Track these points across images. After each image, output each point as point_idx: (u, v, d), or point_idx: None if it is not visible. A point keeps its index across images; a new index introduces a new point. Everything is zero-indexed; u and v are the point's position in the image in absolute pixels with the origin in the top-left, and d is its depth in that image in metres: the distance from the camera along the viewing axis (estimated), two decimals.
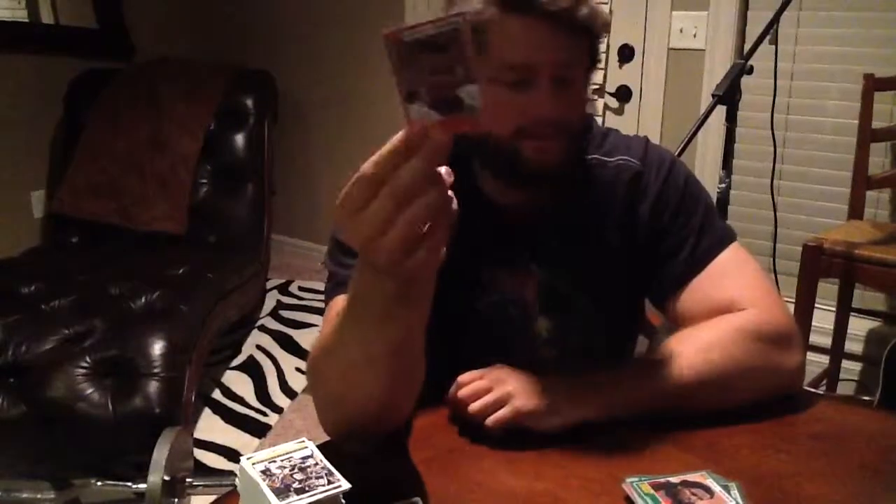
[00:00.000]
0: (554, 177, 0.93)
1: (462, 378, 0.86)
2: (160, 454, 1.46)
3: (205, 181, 2.88)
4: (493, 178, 0.97)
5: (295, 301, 3.15)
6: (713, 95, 1.55)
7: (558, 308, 1.01)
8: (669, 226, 1.00)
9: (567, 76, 0.89)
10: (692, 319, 0.96)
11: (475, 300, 0.99)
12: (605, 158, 1.02)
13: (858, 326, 2.33)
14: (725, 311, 0.94)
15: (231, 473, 1.90)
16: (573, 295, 1.01)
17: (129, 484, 1.67)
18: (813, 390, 1.57)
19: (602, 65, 2.62)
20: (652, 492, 0.72)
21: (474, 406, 0.83)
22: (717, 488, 0.72)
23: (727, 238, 1.00)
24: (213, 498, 0.79)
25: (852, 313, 2.21)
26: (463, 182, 0.96)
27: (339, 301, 0.89)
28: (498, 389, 0.83)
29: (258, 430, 2.22)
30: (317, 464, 0.68)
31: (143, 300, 2.20)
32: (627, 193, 1.00)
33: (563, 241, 1.00)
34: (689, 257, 0.98)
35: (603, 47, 0.94)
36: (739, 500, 0.71)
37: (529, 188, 0.95)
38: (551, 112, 0.88)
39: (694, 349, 0.90)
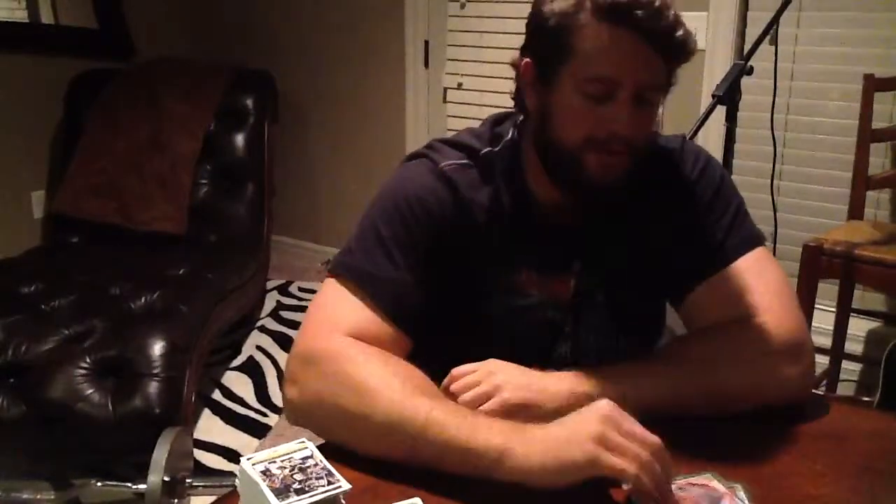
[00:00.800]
0: (612, 192, 0.92)
1: (455, 371, 0.86)
2: (160, 454, 1.46)
3: (205, 181, 2.88)
4: (552, 184, 0.96)
5: (295, 302, 3.15)
6: (713, 95, 1.55)
7: (580, 305, 1.01)
8: (699, 220, 0.99)
9: (648, 97, 0.88)
10: (704, 318, 0.96)
11: (512, 303, 0.99)
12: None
13: (858, 327, 2.33)
14: (738, 315, 0.93)
15: (231, 474, 1.90)
16: (596, 293, 1.00)
17: (129, 484, 1.67)
18: (813, 391, 1.56)
19: None
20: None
21: (463, 398, 0.83)
22: (722, 489, 0.72)
23: (754, 240, 0.99)
24: (213, 498, 0.80)
25: (852, 313, 2.21)
26: (512, 186, 0.96)
27: (350, 292, 0.90)
28: (487, 382, 0.84)
29: (258, 430, 2.22)
30: (317, 464, 0.68)
31: (143, 300, 2.20)
32: (666, 186, 0.99)
33: (603, 241, 1.00)
34: (713, 252, 0.97)
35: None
36: (746, 501, 0.71)
37: (586, 200, 0.95)
38: (627, 130, 0.87)
39: (698, 356, 0.90)
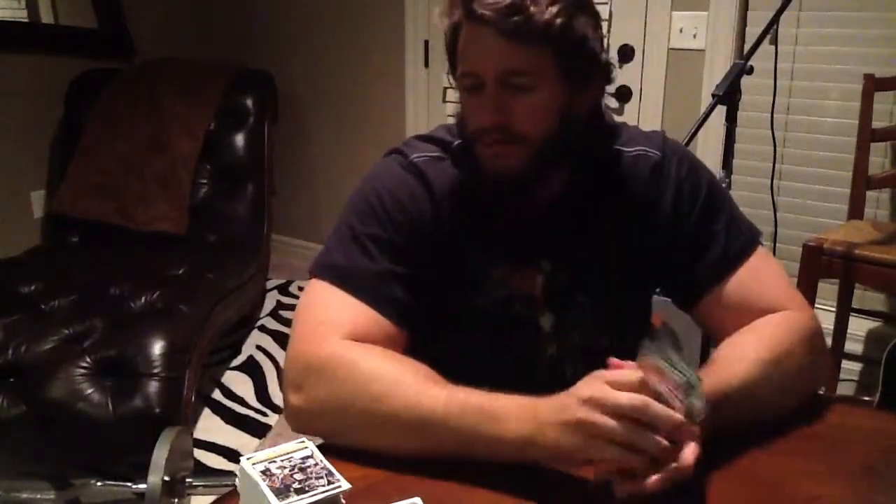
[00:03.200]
0: (514, 183, 0.92)
1: None
2: (160, 454, 1.46)
3: (205, 181, 2.88)
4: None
5: (295, 301, 3.14)
6: (713, 95, 1.55)
7: (560, 304, 1.00)
8: (696, 222, 0.98)
9: (519, 84, 0.88)
10: (726, 320, 0.96)
11: (480, 298, 0.98)
12: (625, 149, 1.00)
13: (858, 326, 2.34)
14: (762, 313, 0.94)
15: (231, 473, 1.90)
16: (575, 291, 1.00)
17: (129, 484, 1.67)
18: None
19: None
20: None
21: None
22: (664, 366, 0.75)
23: (756, 235, 1.00)
24: (213, 498, 0.80)
25: (852, 313, 2.21)
26: (476, 180, 0.97)
27: (333, 292, 0.90)
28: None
29: (258, 430, 2.23)
30: (317, 464, 0.68)
31: (143, 300, 2.20)
32: (649, 183, 0.99)
33: (577, 235, 0.99)
34: (721, 257, 0.97)
35: (611, 55, 0.95)
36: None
37: (492, 190, 0.95)
38: (491, 119, 0.89)
39: (755, 349, 0.89)
